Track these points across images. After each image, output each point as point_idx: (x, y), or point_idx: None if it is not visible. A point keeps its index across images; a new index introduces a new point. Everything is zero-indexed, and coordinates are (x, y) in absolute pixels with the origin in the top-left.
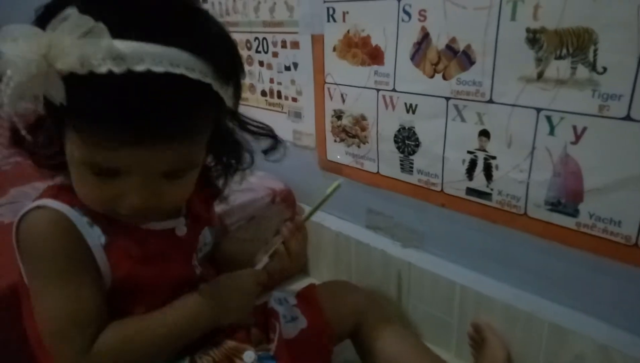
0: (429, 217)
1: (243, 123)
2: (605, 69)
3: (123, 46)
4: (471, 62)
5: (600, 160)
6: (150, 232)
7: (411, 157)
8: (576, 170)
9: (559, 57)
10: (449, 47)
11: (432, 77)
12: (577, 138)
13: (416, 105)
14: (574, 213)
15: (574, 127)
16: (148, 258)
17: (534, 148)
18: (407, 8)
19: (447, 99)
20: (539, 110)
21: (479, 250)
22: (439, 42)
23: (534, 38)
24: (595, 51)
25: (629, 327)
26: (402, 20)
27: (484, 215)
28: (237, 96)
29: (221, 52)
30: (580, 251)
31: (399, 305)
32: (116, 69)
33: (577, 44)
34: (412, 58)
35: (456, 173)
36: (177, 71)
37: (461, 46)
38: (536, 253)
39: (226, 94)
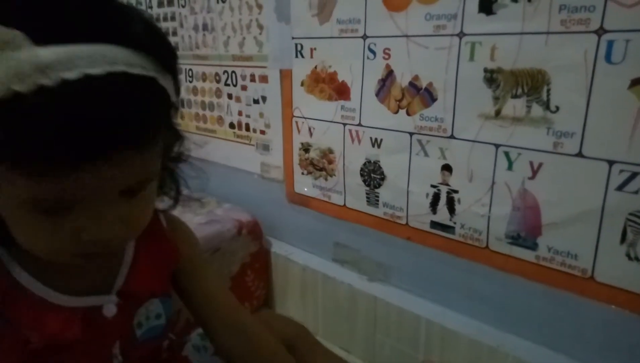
0: (394, 250)
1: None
2: (558, 108)
3: (49, 52)
4: (433, 99)
5: (556, 195)
6: (70, 312)
7: (377, 190)
8: (534, 204)
9: (515, 96)
10: (412, 84)
11: (396, 112)
12: (534, 173)
13: (381, 139)
14: (533, 247)
15: (531, 163)
16: (51, 351)
17: (493, 183)
18: (372, 46)
19: (411, 134)
20: (497, 146)
21: (443, 284)
22: (402, 79)
23: (491, 78)
24: (548, 91)
25: (588, 361)
26: (368, 58)
27: (447, 248)
28: (177, 89)
29: (156, 42)
30: (541, 284)
31: (366, 339)
32: (48, 82)
33: (531, 84)
34: (377, 94)
35: (420, 207)
36: (118, 68)
37: (424, 84)
38: (499, 287)
39: (169, 87)
